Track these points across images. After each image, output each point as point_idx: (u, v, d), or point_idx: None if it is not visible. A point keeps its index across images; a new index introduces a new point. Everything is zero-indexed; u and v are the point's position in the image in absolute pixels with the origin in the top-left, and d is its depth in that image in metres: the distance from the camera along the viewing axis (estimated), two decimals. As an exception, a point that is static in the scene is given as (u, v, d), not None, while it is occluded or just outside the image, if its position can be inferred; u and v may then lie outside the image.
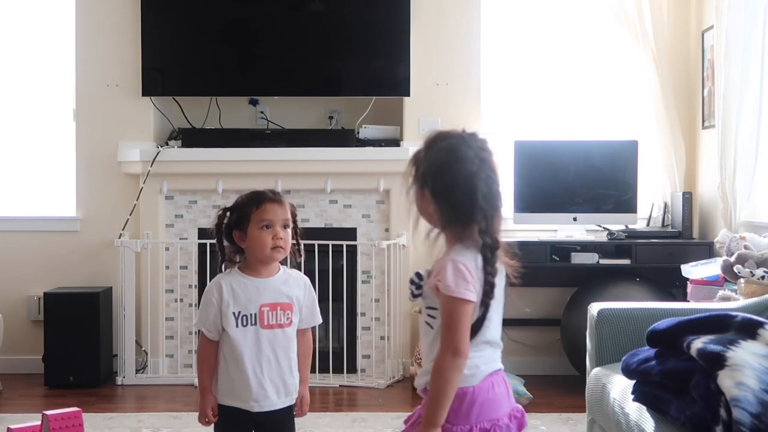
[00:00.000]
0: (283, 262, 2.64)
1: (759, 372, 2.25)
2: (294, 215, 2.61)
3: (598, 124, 5.27)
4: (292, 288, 2.60)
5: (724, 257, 3.87)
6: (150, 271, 4.97)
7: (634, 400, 2.68)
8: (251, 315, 2.53)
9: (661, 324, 2.68)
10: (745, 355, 2.31)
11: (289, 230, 2.56)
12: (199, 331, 2.65)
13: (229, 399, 2.58)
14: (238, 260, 2.59)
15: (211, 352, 2.59)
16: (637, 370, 2.68)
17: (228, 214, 2.59)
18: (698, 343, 2.42)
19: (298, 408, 2.65)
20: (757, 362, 2.29)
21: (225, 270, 2.63)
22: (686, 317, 2.65)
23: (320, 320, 2.69)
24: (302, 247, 2.64)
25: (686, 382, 2.41)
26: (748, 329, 2.47)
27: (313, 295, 2.65)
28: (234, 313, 2.54)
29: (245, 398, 2.55)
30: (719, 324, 2.55)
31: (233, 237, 2.57)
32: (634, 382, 2.72)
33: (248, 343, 2.53)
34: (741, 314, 2.57)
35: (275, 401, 2.56)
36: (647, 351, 2.71)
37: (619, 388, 2.88)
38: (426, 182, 2.05)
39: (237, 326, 2.53)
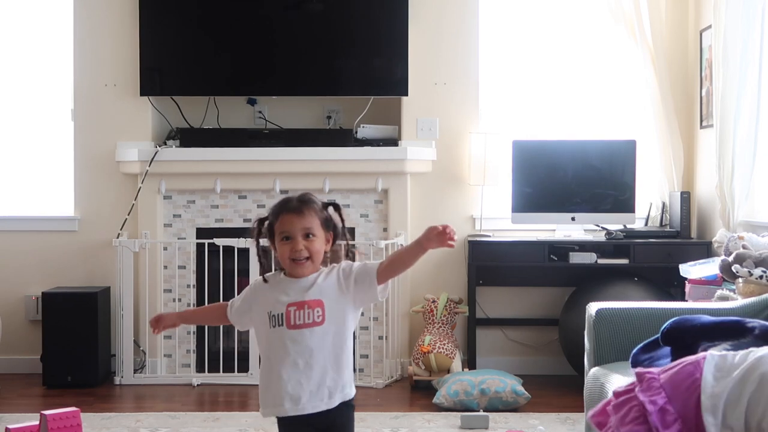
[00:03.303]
0: (324, 263, 2.50)
1: None
2: (337, 214, 2.50)
3: (596, 123, 5.27)
4: (326, 281, 2.44)
5: (722, 257, 3.87)
6: (148, 271, 4.96)
7: None
8: (279, 315, 2.42)
9: (679, 324, 2.67)
10: None
11: (316, 238, 2.43)
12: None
13: (268, 409, 2.46)
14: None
15: (216, 315, 2.62)
16: (649, 367, 2.68)
17: (262, 224, 2.50)
18: (715, 352, 2.43)
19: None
20: None
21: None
22: (703, 320, 2.63)
23: (375, 291, 2.43)
24: (352, 249, 2.51)
25: None
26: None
27: (350, 266, 2.45)
28: (268, 313, 2.44)
29: (278, 403, 2.42)
30: (737, 332, 2.55)
31: (272, 248, 2.49)
32: None
33: (277, 344, 2.43)
34: (759, 322, 2.57)
35: (305, 406, 2.40)
36: (658, 348, 2.70)
37: (617, 387, 2.87)
38: None
39: (271, 327, 2.44)
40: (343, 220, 2.52)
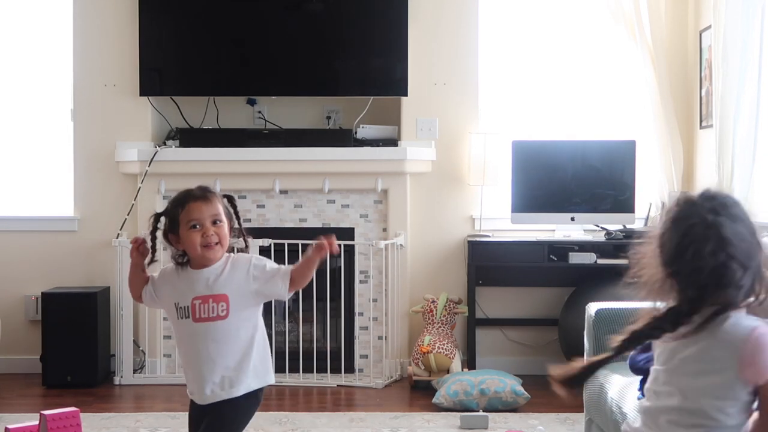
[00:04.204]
0: (230, 251, 2.61)
1: None
2: (232, 206, 2.60)
3: (595, 123, 5.27)
4: (233, 275, 2.52)
5: (722, 257, 3.87)
6: (148, 271, 4.95)
7: (641, 397, 2.67)
8: (185, 308, 2.52)
9: None
10: None
11: (223, 224, 2.53)
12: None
13: (188, 388, 2.60)
14: (185, 261, 2.58)
15: (135, 283, 2.67)
16: (644, 367, 2.68)
17: (161, 219, 2.58)
18: None
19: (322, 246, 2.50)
20: None
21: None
22: None
23: (284, 293, 2.54)
24: (246, 238, 2.62)
25: None
26: None
27: (263, 264, 2.54)
28: (175, 304, 2.54)
29: (190, 390, 2.57)
30: None
31: (172, 242, 2.57)
32: (640, 378, 2.71)
33: (186, 336, 2.54)
34: None
35: (208, 396, 2.51)
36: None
37: (616, 387, 2.88)
38: None
39: (178, 318, 2.54)
40: (237, 213, 2.62)
